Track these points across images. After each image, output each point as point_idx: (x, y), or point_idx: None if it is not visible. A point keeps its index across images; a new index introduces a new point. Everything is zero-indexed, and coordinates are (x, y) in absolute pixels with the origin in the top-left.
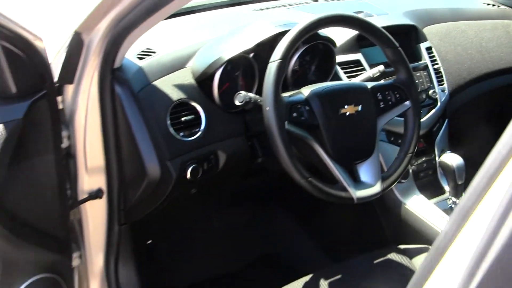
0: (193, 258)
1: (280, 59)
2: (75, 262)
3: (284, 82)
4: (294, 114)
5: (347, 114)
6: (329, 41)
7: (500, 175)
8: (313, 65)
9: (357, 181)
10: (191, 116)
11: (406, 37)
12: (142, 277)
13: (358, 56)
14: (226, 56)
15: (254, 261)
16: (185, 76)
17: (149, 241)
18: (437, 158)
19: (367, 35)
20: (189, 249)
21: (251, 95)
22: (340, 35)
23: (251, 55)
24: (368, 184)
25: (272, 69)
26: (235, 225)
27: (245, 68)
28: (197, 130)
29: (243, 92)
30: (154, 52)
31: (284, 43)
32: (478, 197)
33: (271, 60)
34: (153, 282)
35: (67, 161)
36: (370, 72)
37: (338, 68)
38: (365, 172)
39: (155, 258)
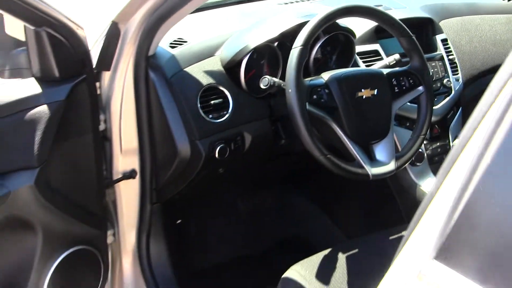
0: (220, 239)
1: (301, 46)
2: (109, 239)
3: (306, 69)
4: (314, 96)
5: (364, 97)
6: (349, 32)
7: (469, 142)
8: (334, 54)
9: (372, 160)
10: (220, 100)
11: (423, 29)
12: (171, 255)
13: (376, 46)
14: (252, 45)
15: (277, 243)
16: (214, 64)
17: (179, 221)
18: (451, 143)
19: (383, 25)
20: (216, 230)
21: (275, 79)
22: (360, 26)
23: (276, 44)
24: (383, 163)
25: (294, 54)
26: (259, 208)
27: (270, 56)
28: (225, 112)
29: (267, 77)
30: (185, 42)
31: (305, 31)
32: (452, 161)
33: (293, 46)
34: (182, 260)
35: (103, 143)
36: (387, 60)
37: (357, 57)
38: (380, 151)
39: (184, 237)
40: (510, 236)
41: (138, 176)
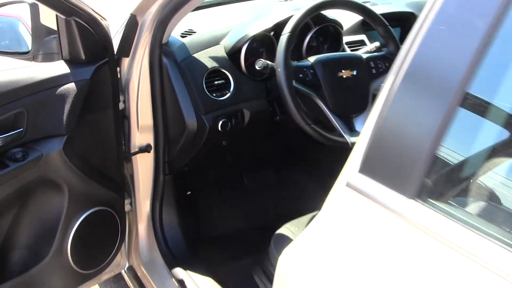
0: (226, 212)
1: (289, 32)
2: (127, 207)
3: (300, 55)
4: (301, 75)
5: (344, 77)
6: (337, 24)
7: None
8: (326, 43)
9: (352, 130)
10: (222, 81)
11: (406, 23)
12: (182, 223)
13: (362, 36)
14: (251, 34)
15: (279, 215)
16: (219, 51)
17: (189, 192)
18: None
19: (363, 16)
20: (223, 203)
21: (268, 62)
22: (348, 19)
23: (272, 33)
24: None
25: (283, 40)
26: (262, 183)
27: (267, 44)
28: (227, 92)
29: (262, 60)
30: (194, 32)
31: (292, 20)
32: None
33: (282, 33)
34: (191, 228)
35: (122, 119)
36: (368, 47)
37: (345, 46)
38: (359, 123)
39: (193, 207)
40: (406, 154)
41: (152, 150)
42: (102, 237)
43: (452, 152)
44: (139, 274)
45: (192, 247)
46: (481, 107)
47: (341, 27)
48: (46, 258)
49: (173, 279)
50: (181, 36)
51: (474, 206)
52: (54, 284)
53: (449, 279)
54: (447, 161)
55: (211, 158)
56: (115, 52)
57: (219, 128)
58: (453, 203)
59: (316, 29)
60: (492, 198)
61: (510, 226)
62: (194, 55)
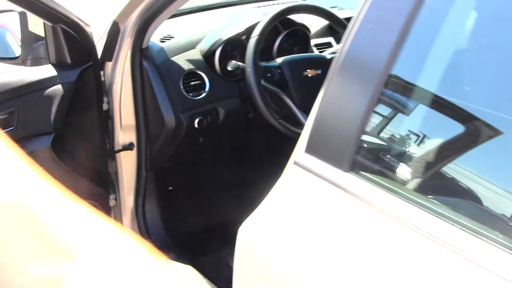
0: (205, 205)
1: (257, 36)
2: (112, 203)
3: (271, 57)
4: (269, 75)
5: (310, 75)
6: (304, 27)
7: None
8: (295, 46)
9: None
10: (198, 82)
11: None
12: (164, 216)
13: (330, 39)
14: (224, 37)
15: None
16: (195, 54)
17: (170, 188)
18: None
19: (326, 19)
20: (202, 197)
21: (239, 63)
22: (316, 23)
23: (244, 37)
24: None
25: (252, 42)
26: (242, 179)
27: (240, 48)
28: (202, 92)
29: (233, 61)
30: (172, 37)
31: (260, 24)
32: None
33: (251, 36)
34: (172, 221)
35: (106, 120)
36: (334, 48)
37: (314, 48)
38: None
39: (174, 201)
40: (341, 134)
41: (135, 148)
42: None
43: (377, 131)
44: None
45: (173, 239)
46: (400, 92)
47: (309, 30)
48: None
49: None
50: (160, 41)
51: (396, 175)
52: None
53: (375, 236)
54: (373, 139)
55: (190, 155)
56: (99, 57)
57: (196, 125)
58: (379, 174)
59: (285, 33)
60: (410, 168)
61: (422, 189)
62: (172, 58)
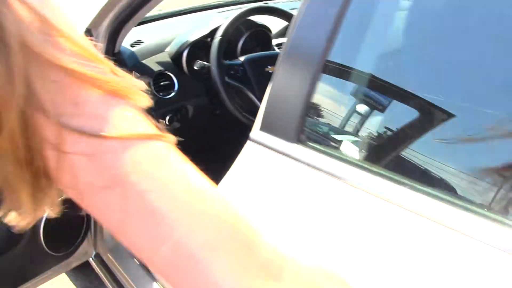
0: None
1: (220, 36)
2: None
3: (235, 56)
4: (232, 72)
5: (270, 71)
6: (265, 28)
7: None
8: (258, 46)
9: None
10: (167, 82)
11: None
12: None
13: None
14: (191, 40)
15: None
16: (164, 57)
17: None
18: None
19: (285, 20)
20: None
21: (204, 62)
22: (278, 24)
23: (209, 39)
24: None
25: (215, 43)
26: (212, 173)
27: (206, 49)
28: (171, 91)
29: (199, 61)
30: (142, 42)
31: (223, 26)
32: None
33: (215, 37)
34: None
35: None
36: None
37: (276, 48)
38: None
39: None
40: (288, 112)
41: None
42: (70, 223)
43: (318, 108)
44: (105, 259)
45: None
46: (335, 75)
47: (270, 31)
48: (22, 241)
49: (134, 259)
50: (131, 46)
51: (335, 143)
52: (29, 266)
53: (322, 196)
54: (315, 115)
55: None
56: None
57: (167, 123)
58: (322, 143)
59: (248, 34)
60: (346, 135)
61: (358, 153)
62: (142, 61)
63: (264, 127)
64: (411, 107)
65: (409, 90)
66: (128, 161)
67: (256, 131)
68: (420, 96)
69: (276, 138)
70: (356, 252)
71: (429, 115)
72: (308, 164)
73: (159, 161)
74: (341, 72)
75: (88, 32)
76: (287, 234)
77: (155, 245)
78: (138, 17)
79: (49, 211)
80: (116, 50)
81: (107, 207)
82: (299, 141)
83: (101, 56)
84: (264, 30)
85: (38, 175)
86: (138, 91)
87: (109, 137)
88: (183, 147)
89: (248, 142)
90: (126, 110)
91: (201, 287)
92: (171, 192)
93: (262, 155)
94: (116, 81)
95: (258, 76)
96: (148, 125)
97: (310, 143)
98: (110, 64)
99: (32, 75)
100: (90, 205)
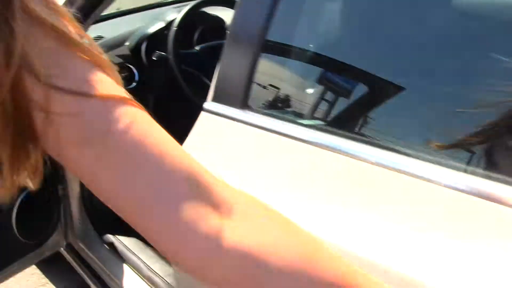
0: None
1: (175, 28)
2: (60, 192)
3: (191, 47)
4: (189, 60)
5: None
6: (218, 19)
7: None
8: (213, 36)
9: None
10: (129, 73)
11: None
12: (106, 206)
13: None
14: (149, 32)
15: None
16: (124, 50)
17: None
18: None
19: (229, 7)
20: None
21: (162, 53)
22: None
23: (166, 31)
24: None
25: (171, 34)
26: None
27: (163, 41)
28: (133, 82)
29: (157, 51)
30: (103, 37)
31: (177, 18)
32: None
33: (171, 28)
34: (114, 212)
35: None
36: None
37: None
38: None
39: None
40: (236, 82)
41: None
42: (42, 212)
43: (261, 77)
44: (76, 248)
45: (115, 217)
46: (275, 51)
47: (223, 22)
48: None
49: (104, 244)
50: None
51: (279, 107)
52: (1, 252)
53: (271, 153)
54: (259, 83)
55: None
56: None
57: None
58: (269, 107)
59: (203, 25)
60: (289, 102)
61: (301, 114)
62: None
63: (215, 98)
64: (344, 69)
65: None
66: (108, 118)
67: (208, 102)
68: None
69: (225, 106)
70: (305, 206)
71: (364, 80)
72: (257, 126)
73: (134, 120)
74: (281, 45)
75: None
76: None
77: (126, 193)
78: (96, 14)
79: (29, 182)
80: None
81: (85, 160)
82: (246, 107)
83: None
84: (217, 22)
85: (22, 136)
86: (114, 69)
87: (93, 96)
88: None
89: (202, 113)
90: (107, 79)
91: (168, 229)
92: (144, 146)
93: (214, 122)
94: (99, 55)
95: (213, 63)
96: (124, 92)
97: (257, 108)
98: (93, 42)
99: (29, 40)
100: (68, 159)
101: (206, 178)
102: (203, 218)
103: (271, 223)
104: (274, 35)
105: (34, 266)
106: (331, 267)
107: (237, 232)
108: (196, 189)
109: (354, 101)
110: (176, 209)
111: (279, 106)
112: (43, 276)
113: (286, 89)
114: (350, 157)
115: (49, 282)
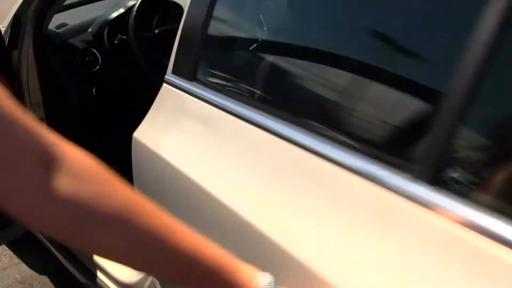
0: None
1: (135, 12)
2: None
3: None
4: (150, 42)
5: None
6: (176, 5)
7: None
8: (172, 20)
9: None
10: (92, 57)
11: None
12: None
13: None
14: (110, 18)
15: None
16: (87, 36)
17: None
18: None
19: None
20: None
21: (124, 36)
22: None
23: (126, 17)
24: None
25: (131, 18)
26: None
27: (125, 25)
28: (96, 65)
29: (119, 35)
30: (67, 24)
31: (137, 3)
32: None
33: (131, 13)
34: None
35: (17, 99)
36: None
37: None
38: None
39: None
40: (188, 57)
41: (45, 123)
42: None
43: (211, 51)
44: None
45: None
46: (222, 29)
47: (180, 6)
48: None
49: None
50: (56, 28)
51: (227, 80)
52: None
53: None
54: (209, 56)
55: (91, 120)
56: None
57: (94, 93)
58: (218, 80)
59: (162, 10)
60: (230, 78)
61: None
62: (68, 40)
63: (174, 71)
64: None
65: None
66: None
67: (168, 74)
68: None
69: (180, 78)
70: (245, 177)
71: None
72: (206, 98)
73: None
74: (228, 23)
75: (17, 18)
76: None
77: None
78: (59, 2)
79: None
80: (43, 32)
81: None
82: (196, 79)
83: None
84: (176, 6)
85: None
86: None
87: None
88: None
89: (163, 85)
90: None
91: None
92: None
93: (171, 93)
94: None
95: (171, 44)
96: None
97: (207, 79)
98: None
99: None
100: None
101: (43, 139)
102: (31, 173)
103: (99, 180)
104: (221, 11)
105: (5, 247)
106: (147, 219)
107: (64, 184)
108: (28, 146)
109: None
110: (6, 167)
111: (222, 80)
112: (15, 256)
113: (230, 64)
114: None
115: (22, 262)
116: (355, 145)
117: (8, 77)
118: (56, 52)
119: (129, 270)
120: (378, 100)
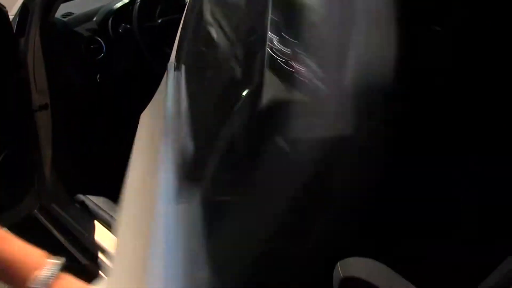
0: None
1: (139, 2)
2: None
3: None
4: (151, 32)
5: None
6: None
7: None
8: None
9: None
10: (97, 45)
11: None
12: (77, 162)
13: None
14: (115, 7)
15: None
16: (92, 25)
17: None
18: None
19: None
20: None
21: (128, 25)
22: None
23: (130, 7)
24: None
25: (136, 8)
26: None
27: (129, 15)
28: (101, 53)
29: (123, 24)
30: (73, 13)
31: None
32: None
33: (135, 3)
34: (86, 164)
35: (23, 86)
36: None
37: None
38: None
39: (85, 149)
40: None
41: (49, 108)
42: (15, 175)
43: None
44: (50, 209)
45: (85, 178)
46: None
47: None
48: None
49: (75, 203)
50: (62, 16)
51: None
52: None
53: None
54: None
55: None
56: (14, 32)
57: (98, 80)
58: None
59: (164, 2)
60: None
61: None
62: (74, 29)
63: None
64: None
65: None
66: None
67: (171, 62)
68: None
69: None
70: None
71: None
72: None
73: None
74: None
75: (24, 6)
76: None
77: None
78: None
79: None
80: (50, 21)
81: None
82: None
83: None
84: None
85: None
86: None
87: None
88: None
89: (166, 71)
90: None
91: None
92: None
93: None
94: None
95: (173, 34)
96: None
97: None
98: None
99: None
100: None
101: None
102: None
103: None
104: None
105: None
106: None
107: None
108: None
109: None
110: None
111: None
112: None
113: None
114: None
115: None
116: None
117: (15, 61)
118: (62, 40)
119: None
120: None
